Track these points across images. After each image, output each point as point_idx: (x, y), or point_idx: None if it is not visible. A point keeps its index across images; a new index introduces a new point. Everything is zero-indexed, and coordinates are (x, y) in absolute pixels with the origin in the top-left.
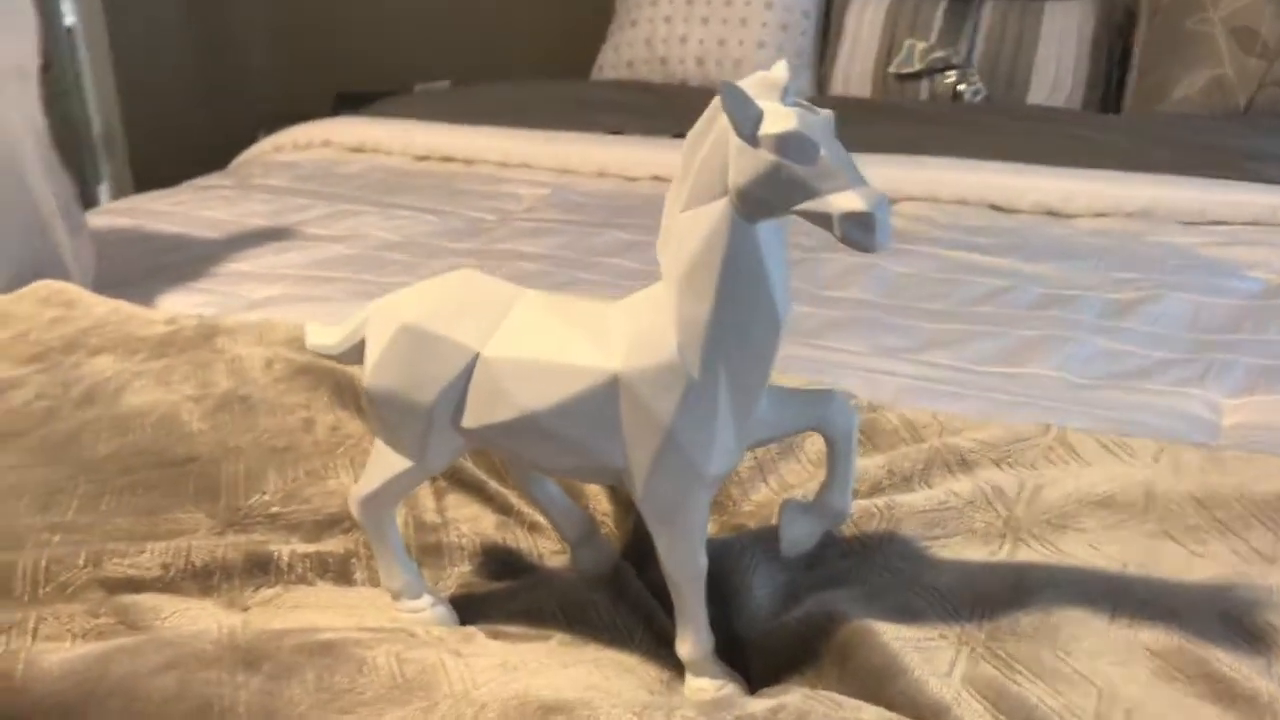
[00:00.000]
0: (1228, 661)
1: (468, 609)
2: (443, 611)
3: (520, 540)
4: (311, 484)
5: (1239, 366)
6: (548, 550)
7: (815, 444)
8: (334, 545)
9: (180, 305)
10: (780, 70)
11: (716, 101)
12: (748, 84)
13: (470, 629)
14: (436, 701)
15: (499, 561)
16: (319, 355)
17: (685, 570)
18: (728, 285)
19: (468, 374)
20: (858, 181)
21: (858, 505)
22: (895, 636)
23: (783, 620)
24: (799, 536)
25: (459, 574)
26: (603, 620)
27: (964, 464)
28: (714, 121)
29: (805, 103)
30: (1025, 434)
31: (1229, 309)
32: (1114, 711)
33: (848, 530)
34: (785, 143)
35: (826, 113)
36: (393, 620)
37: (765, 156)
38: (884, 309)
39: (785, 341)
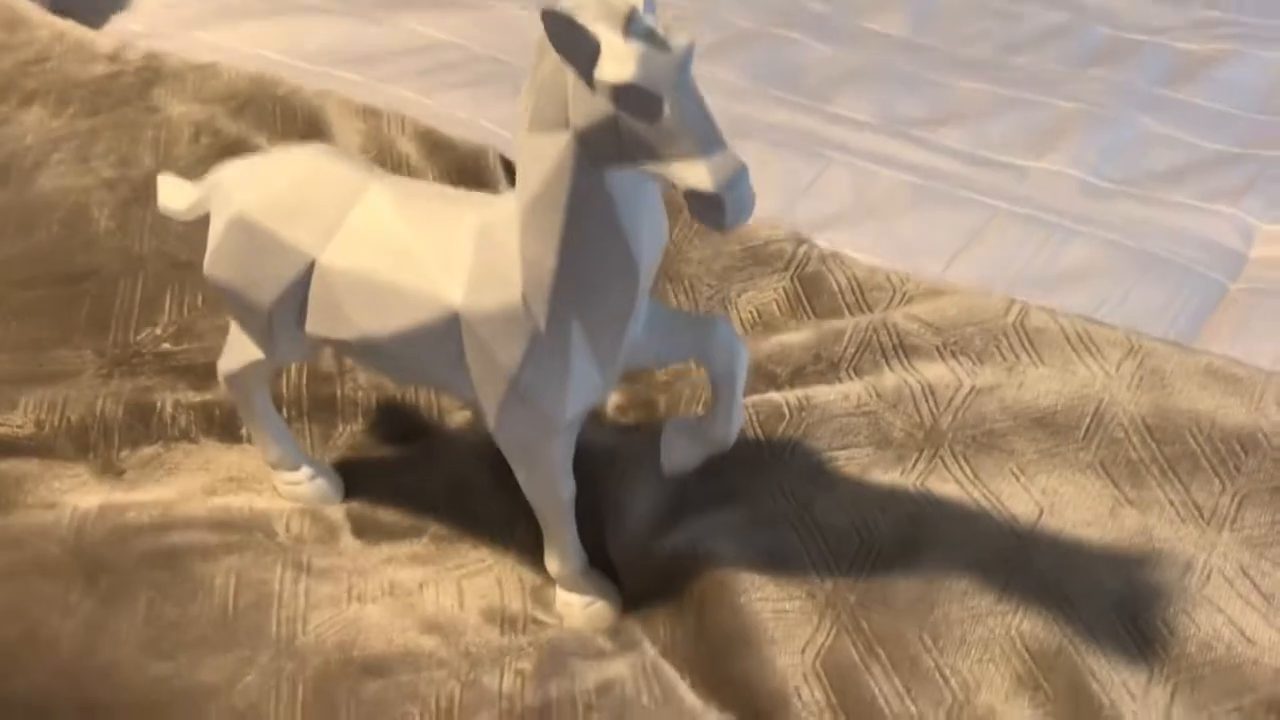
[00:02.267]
0: (1101, 678)
1: (353, 474)
2: (322, 485)
3: (420, 396)
4: (207, 314)
5: None
6: (450, 407)
7: (746, 308)
8: (221, 394)
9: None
10: None
11: (555, 11)
12: (590, 3)
13: (336, 520)
14: (258, 650)
15: (394, 420)
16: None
17: (545, 500)
18: (574, 231)
19: (305, 280)
20: (709, 146)
21: (771, 396)
22: (758, 596)
23: (651, 550)
24: (680, 459)
25: (350, 433)
26: (485, 508)
27: (901, 349)
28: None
29: (657, 29)
30: (982, 314)
31: None
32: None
33: (751, 432)
34: (622, 95)
35: (682, 44)
36: (270, 489)
37: (602, 104)
38: (911, 53)
39: (784, 105)
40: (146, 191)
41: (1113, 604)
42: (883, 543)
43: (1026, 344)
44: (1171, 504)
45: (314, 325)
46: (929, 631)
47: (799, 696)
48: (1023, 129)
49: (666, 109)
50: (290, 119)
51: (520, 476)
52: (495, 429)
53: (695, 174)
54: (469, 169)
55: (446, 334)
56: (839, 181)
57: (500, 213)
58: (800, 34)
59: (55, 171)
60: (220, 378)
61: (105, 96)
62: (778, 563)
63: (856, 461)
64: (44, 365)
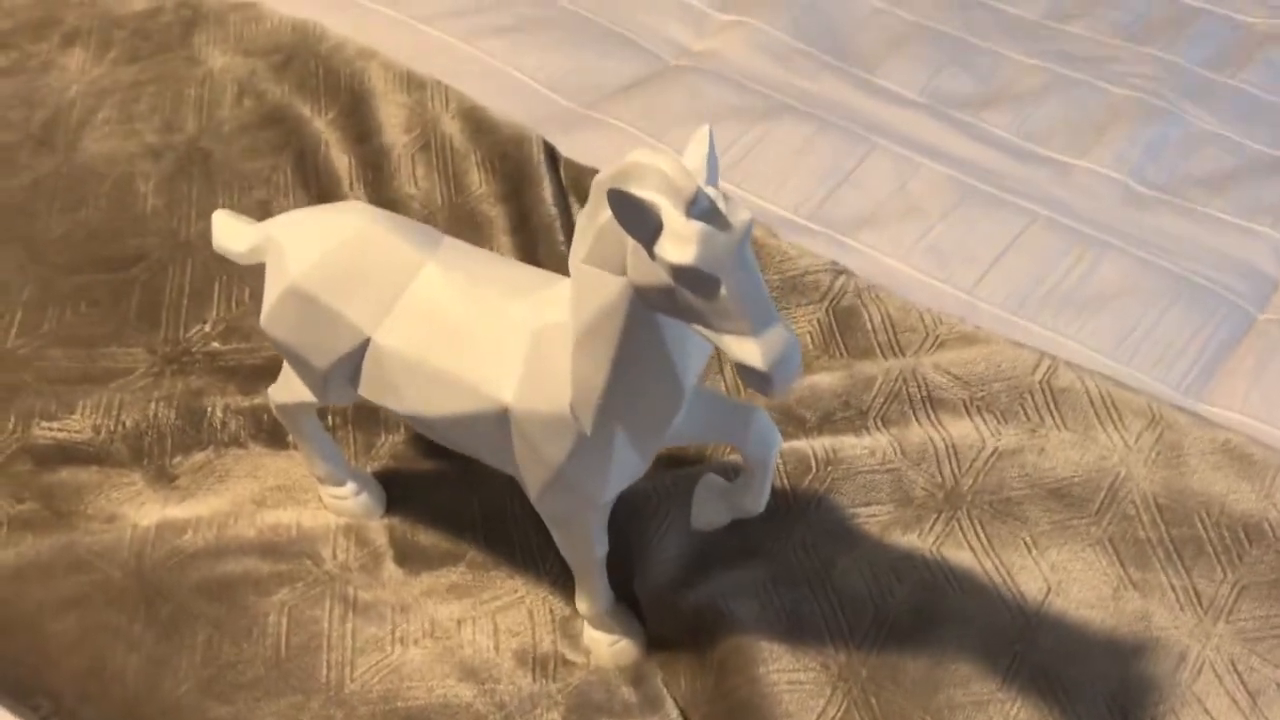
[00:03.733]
0: None
1: (394, 484)
2: (366, 500)
3: None
4: (254, 312)
5: None
6: None
7: None
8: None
9: None
10: (695, 157)
11: (622, 167)
12: (653, 173)
13: (379, 545)
14: (309, 695)
15: None
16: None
17: (579, 558)
18: (625, 360)
19: (359, 352)
20: (762, 324)
21: (799, 444)
22: (775, 667)
23: (677, 599)
24: (710, 517)
25: (392, 443)
26: (520, 534)
27: (929, 402)
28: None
29: (719, 206)
30: (1010, 369)
31: None
32: None
33: (778, 481)
34: (681, 274)
35: (742, 222)
36: (316, 500)
37: (661, 274)
38: (960, 10)
39: (828, 70)
40: (190, 164)
41: (1107, 697)
42: (897, 613)
43: (1051, 405)
44: (1173, 589)
45: (367, 391)
46: (933, 715)
47: None
48: (1068, 117)
49: (723, 291)
50: (334, 86)
51: (556, 537)
52: (536, 502)
53: (747, 351)
54: (511, 156)
55: (495, 425)
56: (881, 171)
57: (554, 317)
58: None
59: (100, 133)
60: (271, 403)
61: (145, 40)
62: (795, 628)
63: (878, 520)
64: (97, 362)
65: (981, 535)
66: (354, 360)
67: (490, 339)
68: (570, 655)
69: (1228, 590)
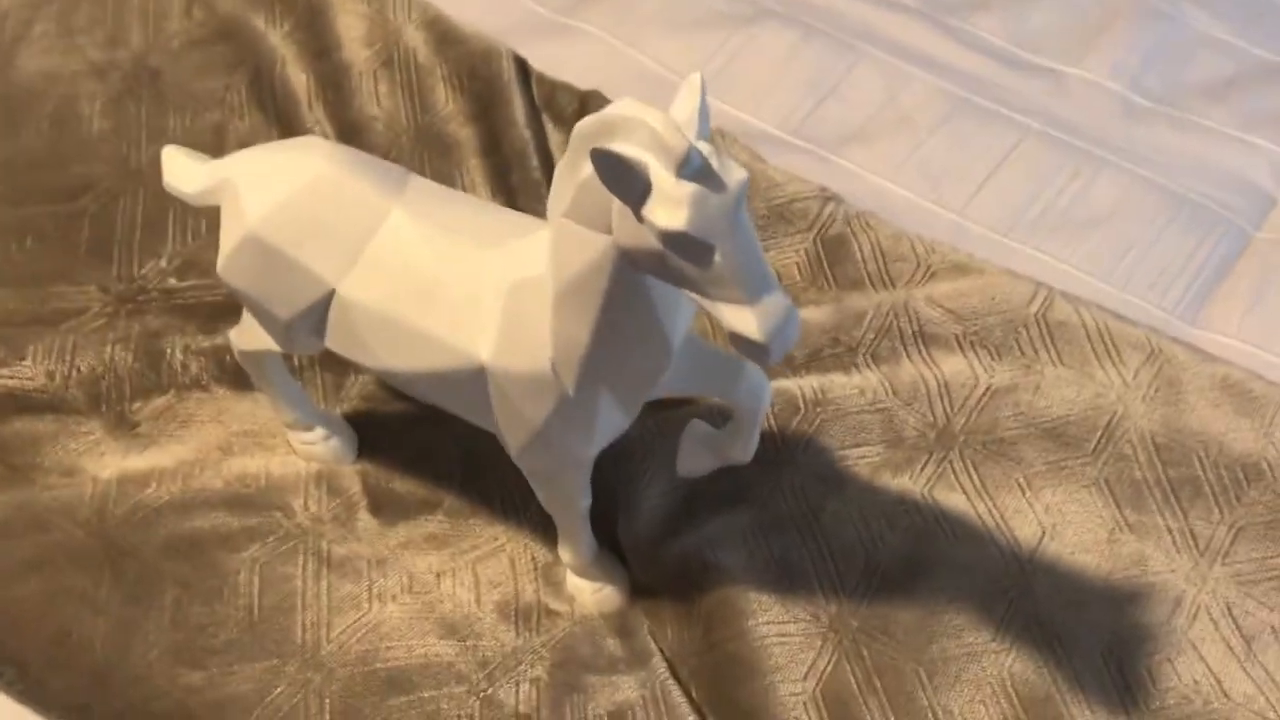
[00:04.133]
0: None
1: (365, 428)
2: (336, 445)
3: None
4: (210, 245)
5: None
6: None
7: None
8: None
9: None
10: (686, 108)
11: (607, 118)
12: (640, 128)
13: (353, 493)
14: (285, 659)
15: None
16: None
17: (562, 512)
18: (609, 319)
19: (324, 304)
20: (759, 291)
21: (786, 384)
22: (764, 619)
23: (661, 548)
24: (696, 465)
25: (361, 383)
26: (498, 480)
27: (920, 337)
28: (604, 144)
29: (713, 165)
30: (1005, 302)
31: None
32: None
33: (766, 424)
34: (672, 240)
35: (737, 182)
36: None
37: (649, 238)
38: None
39: None
40: (138, 84)
41: (1102, 647)
42: (888, 560)
43: (1047, 339)
44: (1169, 531)
45: (333, 343)
46: (926, 667)
47: None
48: (1064, 20)
49: (717, 257)
50: None
51: (539, 492)
52: (517, 458)
53: (743, 320)
54: (480, 72)
55: (471, 382)
56: (869, 82)
57: (531, 270)
58: None
59: (38, 48)
60: (233, 348)
61: None
62: (784, 577)
63: (868, 461)
64: (47, 303)
65: (974, 477)
66: (318, 312)
67: (463, 292)
68: (554, 605)
69: (1224, 532)
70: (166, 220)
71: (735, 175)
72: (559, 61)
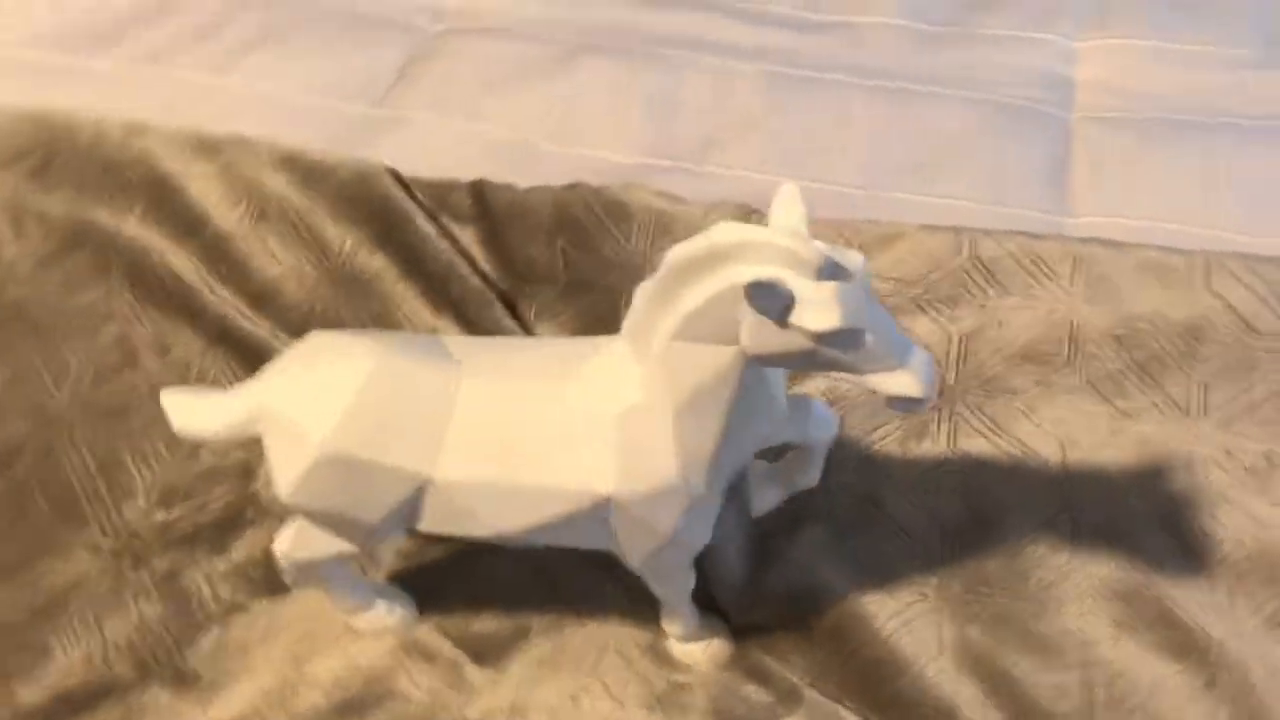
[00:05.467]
0: (1179, 601)
1: (414, 582)
2: (401, 612)
3: None
4: (179, 461)
5: None
6: None
7: None
8: (247, 553)
9: None
10: (793, 216)
11: (716, 245)
12: (767, 249)
13: (446, 652)
14: None
15: None
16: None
17: (675, 594)
18: (738, 419)
19: (417, 496)
20: (905, 353)
21: None
22: (887, 617)
23: (763, 591)
24: (767, 502)
25: (394, 544)
26: (562, 582)
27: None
28: (713, 270)
29: (839, 261)
30: (938, 257)
31: None
32: (1097, 683)
33: None
34: (827, 338)
35: (858, 266)
36: (347, 630)
37: (798, 340)
38: None
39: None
40: (7, 323)
41: (1154, 526)
42: (953, 520)
43: (988, 277)
44: (1155, 406)
45: (431, 525)
46: (1031, 601)
47: (961, 701)
48: None
49: (868, 337)
50: (123, 181)
51: (655, 586)
52: (640, 566)
53: (900, 384)
54: (364, 197)
55: (592, 515)
56: (701, 92)
57: (629, 398)
58: None
59: None
60: (285, 566)
61: None
62: (879, 570)
63: (893, 438)
64: (42, 586)
65: (985, 419)
66: (411, 503)
67: (561, 436)
68: (680, 678)
69: (1196, 390)
70: (121, 455)
71: (855, 261)
72: (409, 155)
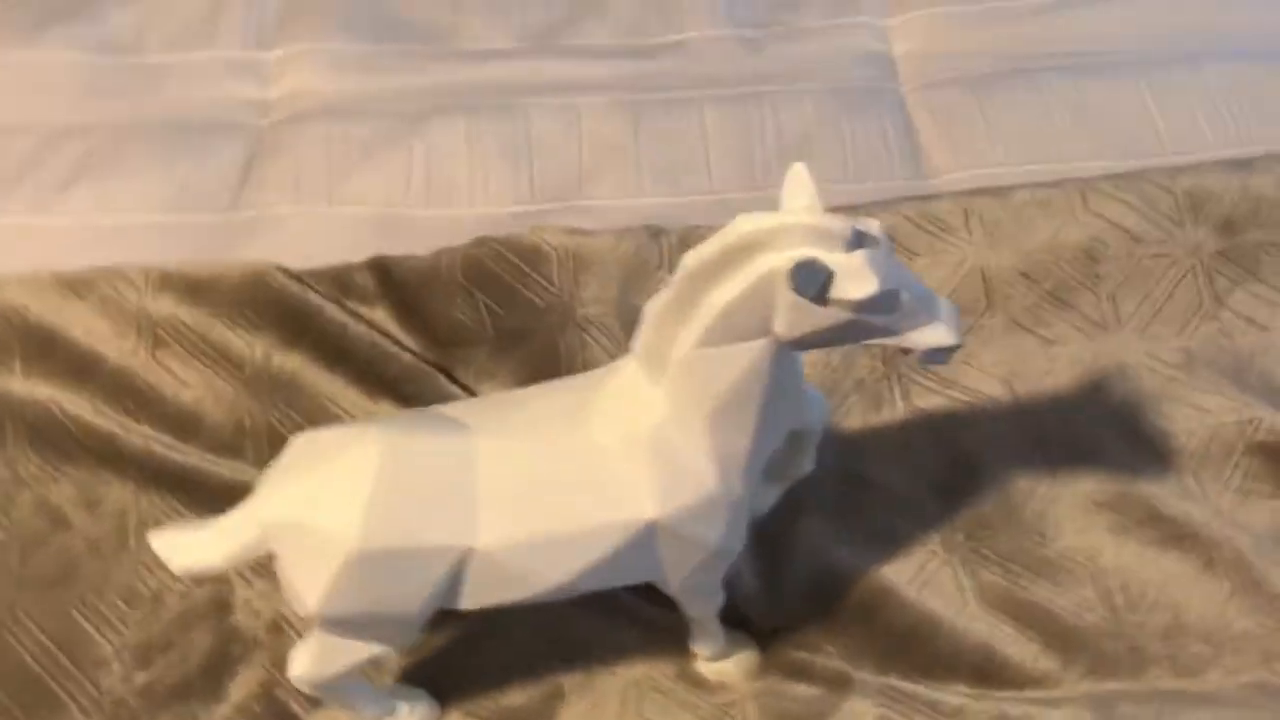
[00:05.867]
0: (1159, 496)
1: (426, 678)
2: (424, 710)
3: None
4: (147, 613)
5: None
6: None
7: None
8: (246, 690)
9: None
10: (807, 194)
11: (738, 240)
12: (795, 231)
13: None
14: None
15: None
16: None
17: (708, 612)
18: (769, 411)
19: (458, 571)
20: (934, 303)
21: None
22: (909, 582)
23: (781, 590)
24: (768, 499)
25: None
26: (578, 634)
27: None
28: (739, 265)
29: (861, 230)
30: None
31: None
32: (1113, 591)
33: None
34: (867, 305)
35: (878, 228)
36: None
37: (837, 314)
38: None
39: (416, 58)
40: None
41: (1114, 435)
42: (940, 475)
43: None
44: (1076, 329)
45: (475, 600)
46: (1032, 530)
47: (998, 641)
48: (634, 6)
49: (904, 295)
50: None
51: (688, 604)
52: (679, 589)
53: (938, 334)
54: (258, 301)
55: (641, 545)
56: (554, 131)
57: (652, 417)
58: None
59: None
60: (306, 684)
61: None
62: (889, 543)
63: (854, 414)
64: None
65: (931, 377)
66: (451, 583)
67: (597, 473)
68: (722, 698)
69: (1107, 304)
70: (77, 624)
71: (874, 226)
72: (272, 252)
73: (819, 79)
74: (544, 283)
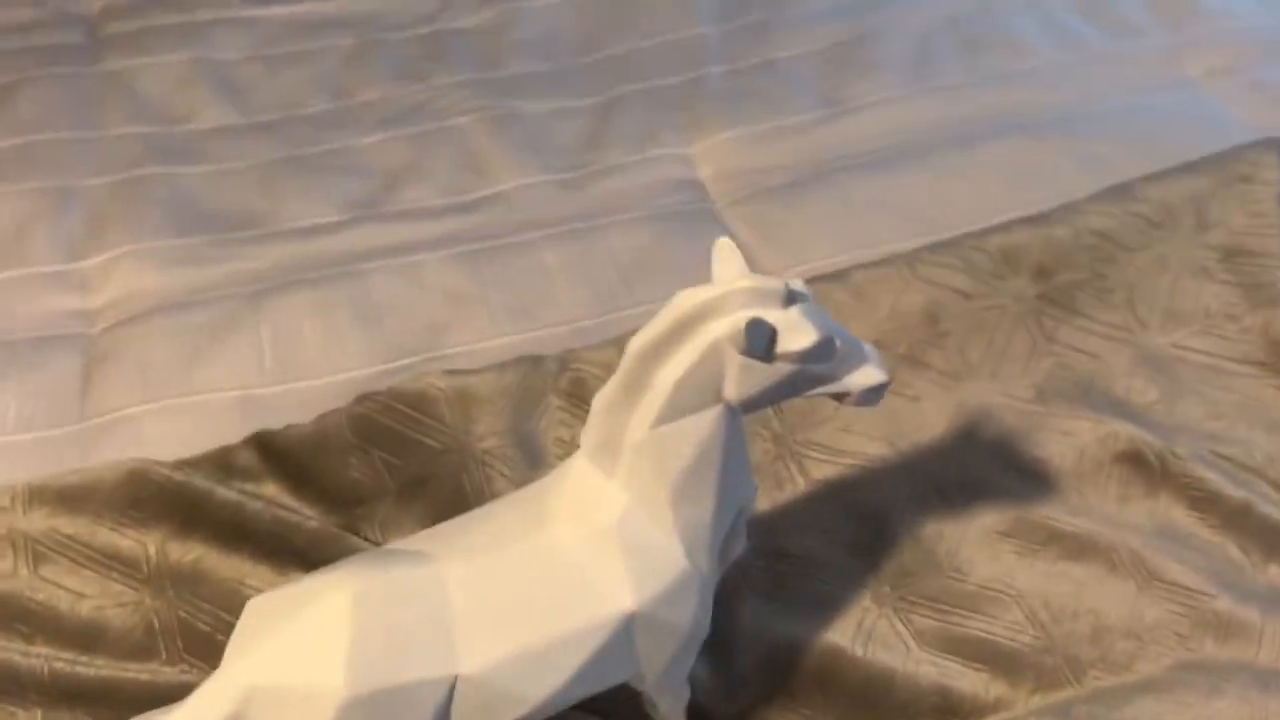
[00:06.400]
0: (1053, 515)
1: None
2: None
3: None
4: None
5: (667, 103)
6: None
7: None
8: None
9: None
10: (736, 263)
11: (682, 316)
12: (735, 296)
13: None
14: None
15: None
16: None
17: (676, 710)
18: (726, 478)
19: (447, 701)
20: (860, 345)
21: None
22: (856, 640)
23: (734, 675)
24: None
25: None
26: None
27: None
28: (685, 338)
29: (797, 289)
30: None
31: None
32: (1036, 609)
33: None
34: (810, 354)
35: (804, 285)
36: None
37: (783, 369)
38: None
39: (253, 254)
40: None
41: (998, 469)
42: (854, 539)
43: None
44: (935, 383)
45: None
46: (949, 568)
47: (949, 678)
48: (449, 168)
49: (837, 342)
50: None
51: (664, 706)
52: (655, 686)
53: (870, 375)
54: (141, 498)
55: (622, 639)
56: (400, 290)
57: (615, 508)
58: (171, 165)
59: None
60: None
61: None
62: (824, 608)
63: (760, 494)
64: None
65: (818, 448)
66: (444, 712)
67: (569, 575)
68: None
69: (957, 357)
70: None
71: (799, 284)
72: (133, 454)
73: (641, 207)
74: (437, 425)
